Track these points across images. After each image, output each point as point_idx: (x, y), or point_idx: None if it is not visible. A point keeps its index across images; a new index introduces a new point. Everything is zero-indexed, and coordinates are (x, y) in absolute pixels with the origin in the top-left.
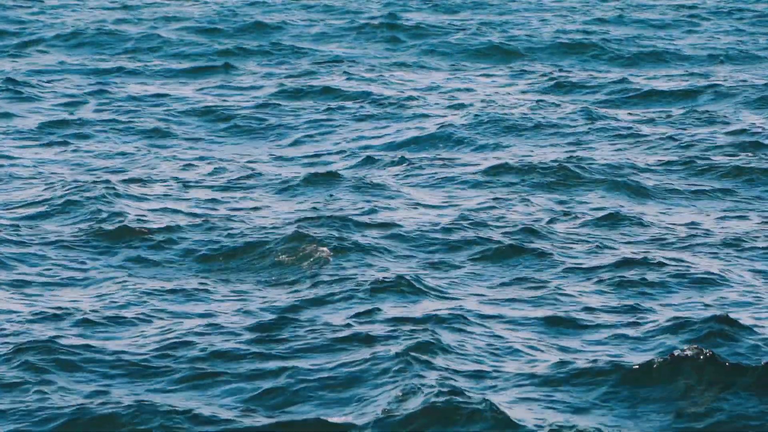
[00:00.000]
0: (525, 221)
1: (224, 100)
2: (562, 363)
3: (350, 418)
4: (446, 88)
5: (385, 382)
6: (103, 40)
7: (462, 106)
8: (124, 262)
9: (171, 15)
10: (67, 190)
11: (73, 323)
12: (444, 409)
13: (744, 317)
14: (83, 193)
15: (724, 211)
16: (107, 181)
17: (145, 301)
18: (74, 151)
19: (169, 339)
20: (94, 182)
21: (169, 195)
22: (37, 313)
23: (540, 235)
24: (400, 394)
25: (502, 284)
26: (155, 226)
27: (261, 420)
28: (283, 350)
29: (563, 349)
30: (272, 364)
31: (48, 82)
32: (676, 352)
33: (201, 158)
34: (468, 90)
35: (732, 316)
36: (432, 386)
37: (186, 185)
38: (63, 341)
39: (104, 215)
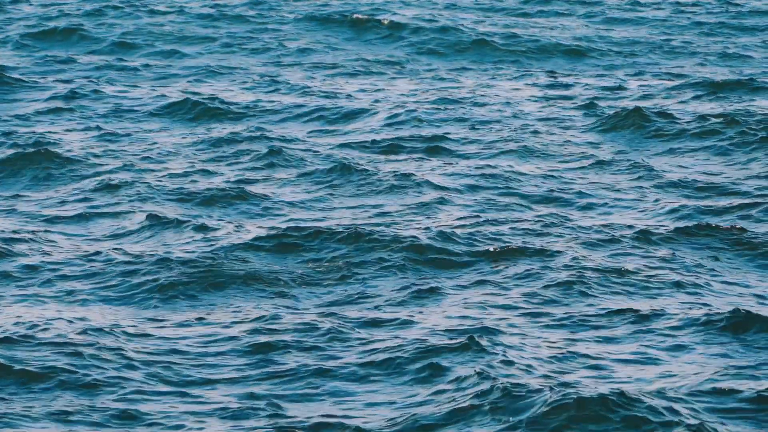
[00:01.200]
0: (527, 223)
1: (216, 97)
2: (584, 367)
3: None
4: (440, 87)
5: (408, 387)
6: (91, 33)
7: (458, 105)
8: (120, 262)
9: (158, 8)
10: (65, 189)
11: (76, 322)
12: (468, 414)
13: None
14: (82, 193)
15: (732, 211)
16: (106, 180)
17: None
18: (67, 150)
19: (171, 348)
20: (90, 180)
21: (165, 198)
22: (52, 318)
23: (543, 237)
24: (422, 398)
25: (516, 288)
26: (151, 228)
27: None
28: (300, 360)
29: (578, 349)
30: (286, 374)
31: (38, 75)
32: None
33: (193, 161)
34: (463, 88)
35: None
36: (453, 390)
37: (182, 189)
38: (66, 343)
39: (105, 215)
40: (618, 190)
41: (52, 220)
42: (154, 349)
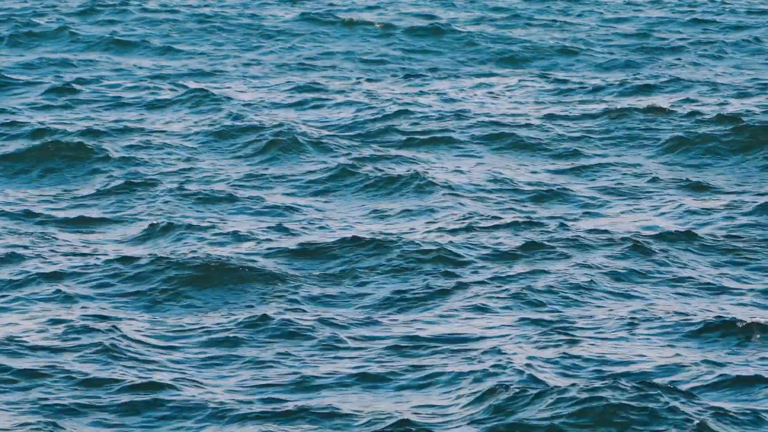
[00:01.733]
0: (523, 224)
1: (212, 95)
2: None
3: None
4: (436, 86)
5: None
6: (85, 30)
7: (453, 104)
8: (114, 260)
9: (152, 6)
10: (60, 187)
11: (71, 321)
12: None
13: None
14: (78, 191)
15: (726, 211)
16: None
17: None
18: (63, 147)
19: (164, 348)
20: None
21: (161, 195)
22: (47, 316)
23: (538, 237)
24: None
25: (513, 289)
26: (147, 226)
27: None
28: (294, 362)
29: (576, 350)
30: (280, 376)
31: (33, 74)
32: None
33: (190, 159)
34: (459, 88)
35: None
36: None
37: (179, 187)
38: (60, 341)
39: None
40: (613, 192)
41: (46, 217)
42: (145, 350)
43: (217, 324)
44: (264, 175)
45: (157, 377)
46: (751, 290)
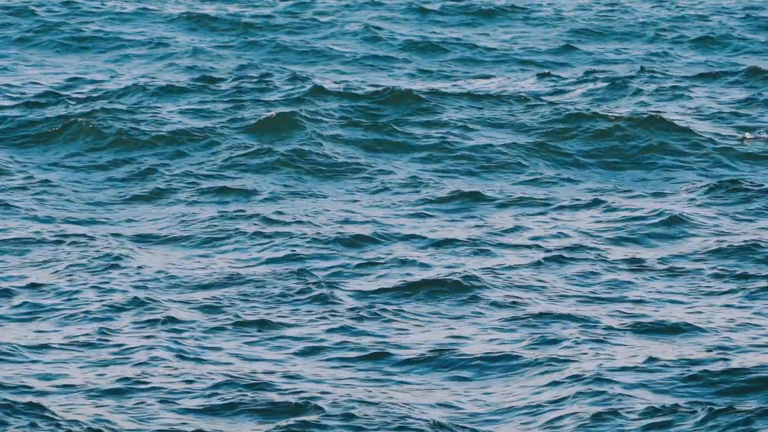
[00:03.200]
0: (517, 230)
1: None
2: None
3: None
4: (431, 86)
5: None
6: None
7: (449, 103)
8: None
9: (150, 11)
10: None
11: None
12: None
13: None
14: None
15: (716, 211)
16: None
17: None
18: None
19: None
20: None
21: (157, 191)
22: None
23: (533, 245)
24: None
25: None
26: (144, 233)
27: None
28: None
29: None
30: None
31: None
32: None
33: (186, 163)
34: (454, 87)
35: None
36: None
37: (179, 181)
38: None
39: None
40: (608, 191)
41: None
42: (142, 344)
43: (214, 321)
44: (261, 169)
45: (153, 372)
46: (731, 291)
